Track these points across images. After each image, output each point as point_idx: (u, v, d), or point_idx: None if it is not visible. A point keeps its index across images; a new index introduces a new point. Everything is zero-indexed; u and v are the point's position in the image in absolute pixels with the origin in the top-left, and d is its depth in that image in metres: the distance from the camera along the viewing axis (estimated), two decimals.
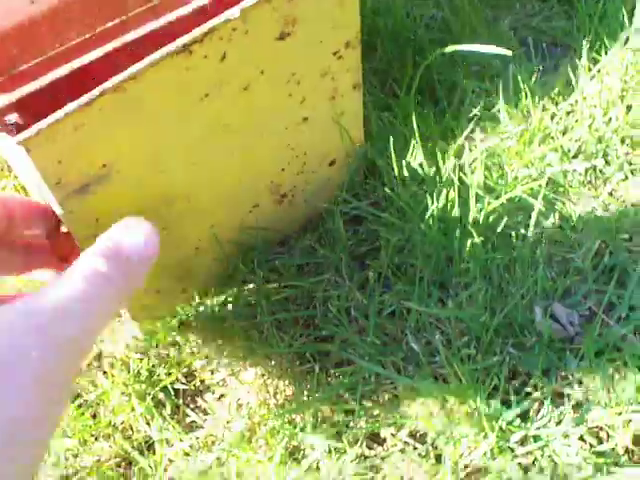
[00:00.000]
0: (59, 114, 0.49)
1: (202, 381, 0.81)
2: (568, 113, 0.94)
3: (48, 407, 0.36)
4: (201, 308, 0.82)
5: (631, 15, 0.96)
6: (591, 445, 0.75)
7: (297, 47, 0.64)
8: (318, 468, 0.74)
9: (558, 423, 0.75)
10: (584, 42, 0.95)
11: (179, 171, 0.63)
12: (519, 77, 0.92)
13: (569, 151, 0.90)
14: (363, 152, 0.82)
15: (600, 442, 0.75)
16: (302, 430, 0.75)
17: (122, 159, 0.56)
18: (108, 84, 0.50)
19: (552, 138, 0.91)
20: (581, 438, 0.75)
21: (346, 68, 0.72)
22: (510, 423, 0.74)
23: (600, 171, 0.88)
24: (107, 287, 0.43)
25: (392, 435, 0.76)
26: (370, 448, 0.76)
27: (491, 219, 0.81)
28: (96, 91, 0.50)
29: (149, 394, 0.79)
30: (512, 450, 0.74)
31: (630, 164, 0.87)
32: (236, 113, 0.64)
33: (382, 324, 0.79)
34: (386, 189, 0.81)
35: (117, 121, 0.53)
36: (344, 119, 0.77)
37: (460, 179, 0.82)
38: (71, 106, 0.49)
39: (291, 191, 0.79)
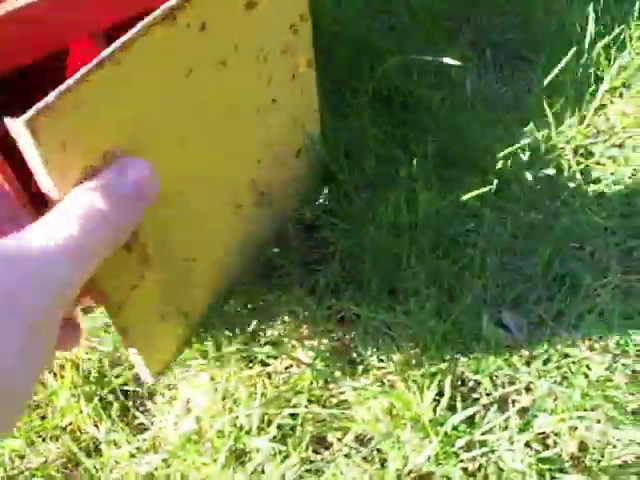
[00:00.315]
0: (59, 90, 0.46)
1: (153, 384, 0.81)
2: (523, 124, 0.95)
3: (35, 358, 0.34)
4: None
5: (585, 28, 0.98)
6: (537, 451, 0.75)
7: (262, 19, 0.67)
8: (263, 471, 0.74)
9: (504, 429, 0.75)
10: (541, 55, 0.96)
11: (171, 161, 0.63)
12: (475, 87, 0.93)
13: (522, 158, 0.91)
14: (317, 139, 0.82)
15: (546, 448, 0.76)
16: (247, 433, 0.75)
17: (123, 143, 0.55)
18: (104, 54, 0.49)
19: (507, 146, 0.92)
20: (527, 444, 0.76)
21: (301, 44, 0.74)
22: (455, 428, 0.75)
23: (553, 179, 0.88)
24: (103, 226, 0.40)
25: (338, 439, 0.76)
26: (316, 452, 0.76)
27: (442, 225, 0.82)
28: (94, 63, 0.48)
29: (98, 395, 0.79)
30: (457, 455, 0.74)
31: (582, 173, 0.88)
32: (216, 93, 0.65)
33: (330, 329, 0.80)
34: (340, 195, 0.82)
35: (114, 98, 0.52)
36: (303, 99, 0.79)
37: (412, 185, 0.83)
38: (70, 82, 0.46)
39: (268, 188, 0.79)
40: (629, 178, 0.89)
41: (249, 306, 0.83)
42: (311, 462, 0.75)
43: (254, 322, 0.82)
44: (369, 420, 0.76)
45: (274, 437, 0.75)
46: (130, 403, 0.80)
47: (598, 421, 0.76)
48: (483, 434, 0.74)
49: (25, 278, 0.33)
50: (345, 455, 0.75)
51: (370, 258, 0.80)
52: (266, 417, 0.76)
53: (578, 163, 0.88)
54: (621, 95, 1.01)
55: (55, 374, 0.81)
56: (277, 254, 0.84)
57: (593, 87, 0.97)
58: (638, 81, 1.00)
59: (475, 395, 0.77)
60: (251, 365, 0.80)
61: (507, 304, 0.81)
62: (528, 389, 0.78)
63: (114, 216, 0.41)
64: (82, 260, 0.37)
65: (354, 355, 0.79)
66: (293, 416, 0.76)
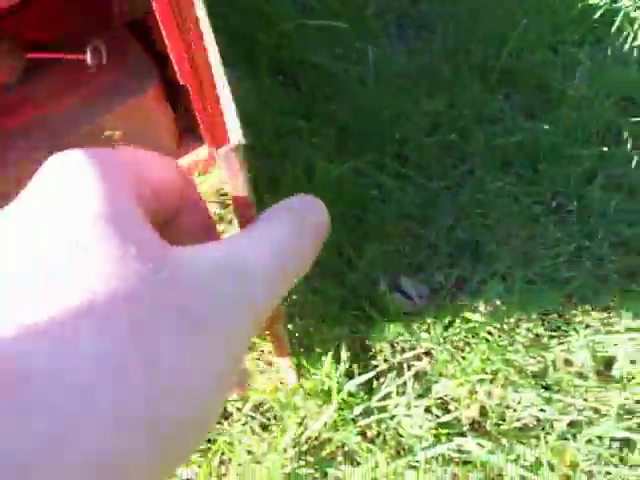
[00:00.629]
0: None
1: None
2: (429, 94, 0.95)
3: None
4: None
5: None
6: (437, 416, 0.75)
7: None
8: None
9: (402, 394, 0.75)
10: (449, 25, 0.96)
11: None
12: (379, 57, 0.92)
13: (425, 126, 0.90)
14: None
15: (446, 413, 0.75)
16: None
17: None
18: None
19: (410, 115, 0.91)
20: (428, 410, 0.75)
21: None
22: (353, 395, 0.74)
23: (457, 147, 0.88)
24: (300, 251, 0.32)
25: (238, 409, 0.76)
26: (217, 422, 0.76)
27: (341, 194, 0.81)
28: None
29: None
30: (355, 422, 0.74)
31: (487, 142, 0.88)
32: None
33: None
34: None
35: None
36: None
37: (311, 155, 0.82)
38: None
39: None
40: (534, 143, 0.89)
41: None
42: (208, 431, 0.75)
43: None
44: (268, 389, 0.75)
45: None
46: None
47: (498, 385, 0.76)
48: (381, 400, 0.74)
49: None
50: (243, 424, 0.75)
51: None
52: None
53: (483, 130, 0.88)
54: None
55: None
56: None
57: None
58: None
59: (375, 362, 0.77)
60: None
61: (408, 271, 0.81)
62: (429, 355, 0.77)
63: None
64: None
65: None
66: None
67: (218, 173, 0.60)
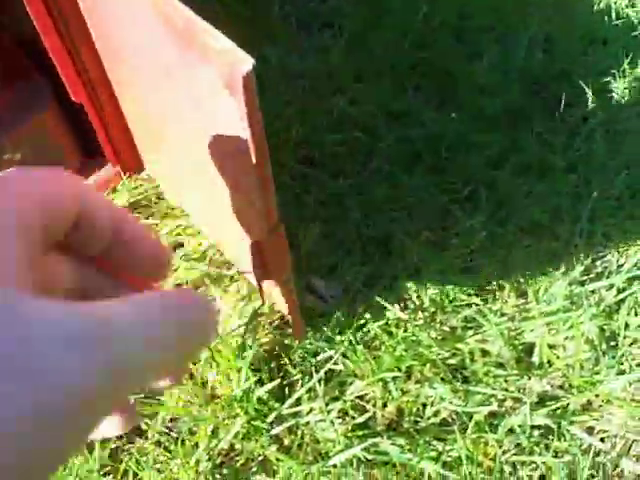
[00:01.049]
0: None
1: None
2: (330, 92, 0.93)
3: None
4: None
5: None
6: (353, 418, 0.73)
7: None
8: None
9: (313, 399, 0.73)
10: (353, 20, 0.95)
11: None
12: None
13: (326, 124, 0.89)
14: None
15: (363, 414, 0.74)
16: None
17: None
18: None
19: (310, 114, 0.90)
20: (344, 412, 0.74)
21: None
22: (264, 403, 0.73)
23: (364, 144, 0.87)
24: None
25: (147, 425, 0.74)
26: (130, 442, 0.74)
27: None
28: None
29: None
30: (268, 430, 0.72)
31: (395, 137, 0.86)
32: None
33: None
34: None
35: None
36: None
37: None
38: None
39: None
40: (441, 133, 0.87)
41: None
42: (123, 451, 0.73)
43: None
44: (179, 403, 0.74)
45: None
46: None
47: (413, 382, 0.75)
48: (293, 406, 0.73)
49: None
50: (156, 442, 0.73)
51: None
52: None
53: (391, 125, 0.87)
54: None
55: None
56: None
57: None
58: None
59: (288, 368, 0.75)
60: None
61: (320, 272, 0.80)
62: (344, 355, 0.76)
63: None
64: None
65: None
66: None
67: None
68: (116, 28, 0.68)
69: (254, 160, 0.55)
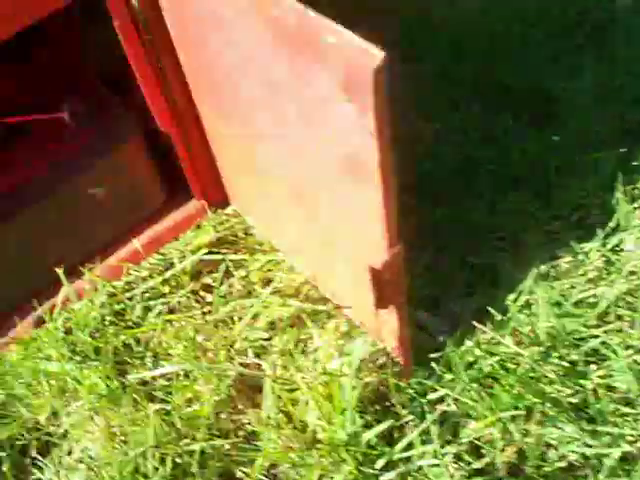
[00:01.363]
0: None
1: (47, 434, 0.74)
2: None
3: None
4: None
5: None
6: (469, 463, 0.67)
7: None
8: None
9: (426, 442, 0.67)
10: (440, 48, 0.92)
11: None
12: None
13: None
14: None
15: (480, 458, 0.67)
16: (146, 478, 0.68)
17: None
18: None
19: None
20: (458, 457, 0.67)
21: None
22: (372, 447, 0.67)
23: (463, 171, 0.82)
24: None
25: (245, 474, 0.69)
26: None
27: None
28: None
29: None
30: (377, 477, 0.66)
31: (494, 162, 0.82)
32: None
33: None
34: None
35: None
36: None
37: None
38: None
39: None
40: (544, 156, 0.82)
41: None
42: None
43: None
44: (278, 449, 0.68)
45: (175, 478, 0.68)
46: (26, 459, 0.73)
47: (534, 422, 0.68)
48: (404, 450, 0.66)
49: None
50: None
51: None
52: (166, 458, 0.69)
53: (488, 150, 0.82)
54: None
55: None
56: None
57: None
58: None
59: (396, 409, 0.70)
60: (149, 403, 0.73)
61: (423, 305, 0.74)
62: (457, 396, 0.69)
63: None
64: None
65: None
66: (191, 454, 0.69)
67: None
68: (211, 51, 0.65)
69: (379, 176, 0.50)
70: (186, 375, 0.73)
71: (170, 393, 0.72)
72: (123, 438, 0.71)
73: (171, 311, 0.78)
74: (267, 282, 0.80)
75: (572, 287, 0.74)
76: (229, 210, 0.86)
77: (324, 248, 0.69)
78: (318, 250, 0.71)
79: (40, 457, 0.73)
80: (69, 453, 0.73)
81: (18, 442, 0.74)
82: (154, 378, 0.74)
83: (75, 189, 0.77)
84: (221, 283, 0.79)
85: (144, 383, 0.74)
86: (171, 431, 0.69)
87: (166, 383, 0.73)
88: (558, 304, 0.73)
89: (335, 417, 0.68)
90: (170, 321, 0.77)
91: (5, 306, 0.79)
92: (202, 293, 0.79)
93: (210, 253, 0.81)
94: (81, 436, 0.72)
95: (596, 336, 0.71)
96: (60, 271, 0.76)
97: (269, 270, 0.80)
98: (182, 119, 0.76)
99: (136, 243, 0.81)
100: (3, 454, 0.73)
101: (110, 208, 0.79)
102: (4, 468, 0.72)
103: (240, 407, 0.71)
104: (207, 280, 0.80)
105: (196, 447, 0.68)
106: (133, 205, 0.82)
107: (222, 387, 0.71)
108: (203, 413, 0.70)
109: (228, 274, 0.80)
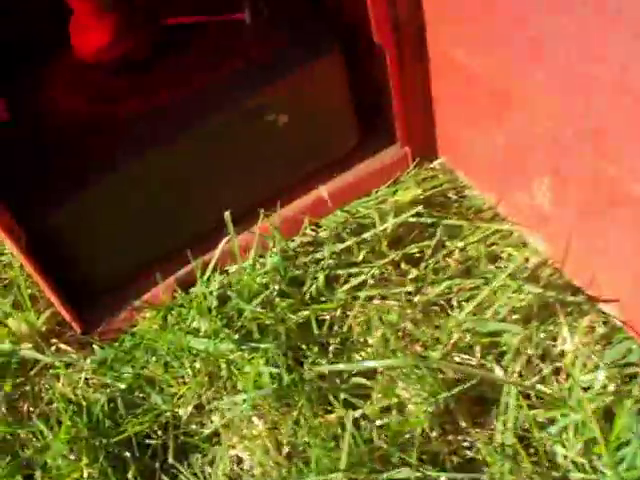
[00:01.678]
0: None
1: (187, 434, 0.55)
2: None
3: None
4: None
5: None
6: None
7: None
8: None
9: None
10: None
11: None
12: None
13: None
14: None
15: None
16: None
17: None
18: None
19: None
20: None
21: None
22: None
23: None
24: None
25: None
26: None
27: None
28: None
29: (105, 450, 0.54)
30: None
31: None
32: None
33: None
34: None
35: None
36: None
37: None
38: None
39: None
40: None
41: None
42: None
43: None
44: None
45: None
46: (156, 464, 0.54)
47: None
48: None
49: None
50: None
51: None
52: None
53: None
54: None
55: (48, 419, 0.56)
56: None
57: None
58: None
59: None
60: (330, 407, 0.53)
61: None
62: None
63: None
64: None
65: None
66: None
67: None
68: None
69: None
70: (380, 373, 0.53)
71: (365, 397, 0.52)
72: (292, 451, 0.52)
73: (362, 286, 0.58)
74: (492, 259, 0.59)
75: None
76: (435, 164, 0.66)
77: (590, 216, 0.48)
78: (576, 220, 0.50)
79: (177, 464, 0.54)
80: (212, 462, 0.54)
81: (148, 441, 0.55)
82: (340, 374, 0.54)
83: (249, 112, 0.58)
84: (432, 255, 0.59)
85: (322, 377, 0.54)
86: (367, 450, 0.49)
87: (362, 381, 0.53)
88: None
89: (595, 452, 0.47)
90: (362, 299, 0.57)
91: (143, 258, 0.60)
92: (404, 266, 0.59)
93: (416, 215, 0.61)
94: (234, 442, 0.53)
95: None
96: (228, 215, 0.56)
97: (494, 244, 0.60)
98: (401, 37, 0.56)
99: (323, 191, 0.61)
100: (128, 455, 0.54)
101: (290, 143, 0.60)
102: (129, 475, 0.53)
103: (463, 425, 0.50)
104: (411, 249, 0.60)
105: (405, 474, 0.47)
106: (320, 143, 0.62)
107: (441, 394, 0.50)
108: (416, 428, 0.49)
109: (438, 244, 0.60)
